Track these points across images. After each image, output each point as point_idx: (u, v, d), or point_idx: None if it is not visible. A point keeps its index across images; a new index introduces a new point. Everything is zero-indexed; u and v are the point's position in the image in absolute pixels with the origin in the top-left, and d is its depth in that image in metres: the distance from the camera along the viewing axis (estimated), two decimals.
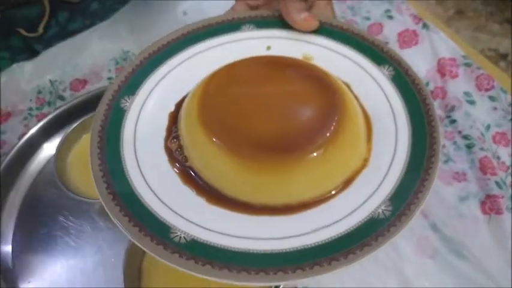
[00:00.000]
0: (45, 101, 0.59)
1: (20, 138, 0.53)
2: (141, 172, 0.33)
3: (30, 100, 0.59)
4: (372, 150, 0.34)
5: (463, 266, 0.45)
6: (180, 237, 0.29)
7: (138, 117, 0.36)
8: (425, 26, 0.61)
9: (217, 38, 0.41)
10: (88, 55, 0.61)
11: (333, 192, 0.33)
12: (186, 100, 0.37)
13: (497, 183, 0.49)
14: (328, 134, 0.32)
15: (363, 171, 0.33)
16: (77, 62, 0.61)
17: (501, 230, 0.46)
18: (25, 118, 0.57)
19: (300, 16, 0.39)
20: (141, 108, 0.37)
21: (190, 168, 0.34)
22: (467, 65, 0.57)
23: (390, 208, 0.30)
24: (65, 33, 0.58)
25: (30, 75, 0.60)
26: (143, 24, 0.63)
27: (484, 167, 0.50)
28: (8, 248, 0.48)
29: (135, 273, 0.43)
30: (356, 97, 0.37)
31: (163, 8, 0.65)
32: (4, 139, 0.56)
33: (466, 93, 0.55)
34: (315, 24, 0.40)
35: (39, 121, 0.54)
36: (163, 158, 0.35)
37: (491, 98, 0.55)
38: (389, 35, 0.61)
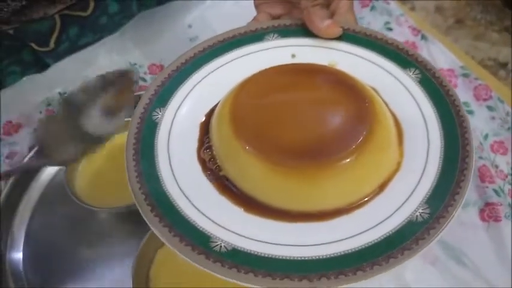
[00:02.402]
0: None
1: (29, 149, 0.54)
2: (177, 183, 0.34)
3: (40, 112, 0.60)
4: (404, 154, 0.34)
5: (462, 272, 0.46)
6: (221, 246, 0.30)
7: (170, 128, 0.37)
8: (423, 37, 0.63)
9: (242, 49, 0.41)
10: (96, 68, 0.62)
11: (369, 196, 0.33)
12: (217, 110, 0.38)
13: (495, 191, 0.50)
14: (360, 139, 0.32)
15: (397, 175, 0.33)
16: (86, 74, 0.62)
17: (500, 237, 0.47)
18: (35, 129, 0.59)
19: (323, 24, 0.40)
20: (173, 119, 0.37)
21: (225, 177, 0.35)
22: (466, 75, 0.59)
23: (428, 211, 0.30)
24: (75, 48, 0.60)
25: (39, 88, 0.61)
26: (149, 37, 0.65)
27: (482, 176, 0.51)
28: (19, 255, 0.49)
29: (144, 280, 0.44)
30: (384, 101, 0.37)
31: (168, 22, 0.67)
32: (15, 150, 0.57)
33: (465, 103, 0.57)
34: (338, 31, 0.40)
35: None
36: (198, 168, 0.35)
37: (489, 108, 0.56)
38: None
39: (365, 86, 0.37)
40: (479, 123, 0.55)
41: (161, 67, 0.63)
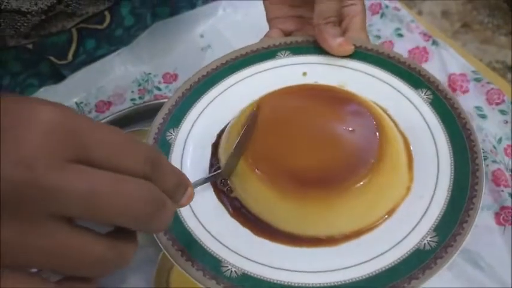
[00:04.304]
0: None
1: None
2: (189, 205, 0.33)
3: None
4: (414, 178, 0.34)
5: (479, 276, 0.46)
6: (231, 271, 0.30)
7: (183, 149, 0.37)
8: (434, 42, 0.63)
9: (254, 66, 0.42)
10: (112, 78, 0.64)
11: (378, 221, 0.32)
12: (227, 132, 0.38)
13: (510, 194, 0.50)
14: (369, 166, 0.32)
15: (406, 200, 0.33)
16: (102, 84, 0.63)
17: None
18: None
19: (335, 42, 0.40)
20: (186, 140, 0.38)
21: (236, 199, 0.35)
22: (478, 80, 0.59)
23: (436, 239, 0.30)
24: (92, 59, 0.61)
25: (56, 98, 0.61)
26: (162, 47, 0.66)
27: (497, 179, 0.52)
28: None
29: (164, 286, 0.45)
30: (395, 122, 0.37)
31: (181, 32, 0.68)
32: None
33: (477, 108, 0.57)
34: (350, 49, 0.40)
35: None
36: (210, 190, 0.35)
37: (502, 112, 0.56)
38: (399, 53, 0.63)
39: (376, 108, 0.37)
40: (493, 128, 0.55)
41: (175, 76, 0.64)
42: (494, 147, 0.54)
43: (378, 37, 0.65)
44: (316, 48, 0.42)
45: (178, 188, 0.25)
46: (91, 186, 0.20)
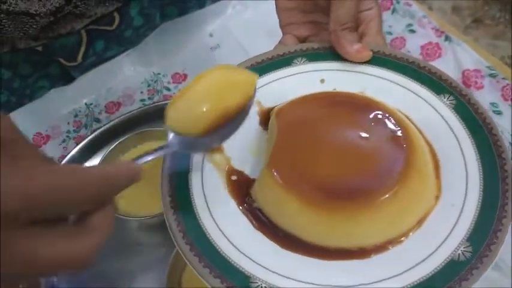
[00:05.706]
0: (82, 123, 0.61)
1: (59, 160, 0.55)
2: (213, 218, 0.33)
3: (68, 123, 0.61)
4: (442, 187, 0.33)
5: (497, 276, 0.45)
6: (261, 286, 0.29)
7: (203, 159, 0.36)
8: (447, 38, 0.62)
9: (270, 74, 0.41)
10: (121, 79, 0.64)
11: (409, 232, 0.32)
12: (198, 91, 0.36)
13: None
14: (397, 176, 0.31)
15: (435, 209, 0.32)
16: (111, 85, 0.63)
17: None
18: (64, 141, 0.60)
19: (352, 48, 0.39)
20: None
21: (258, 209, 0.34)
22: (493, 75, 0.58)
23: (470, 249, 0.29)
24: (101, 61, 0.61)
25: (67, 100, 0.62)
26: (172, 47, 0.66)
27: None
28: None
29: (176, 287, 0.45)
30: (419, 130, 0.36)
31: (190, 31, 0.67)
32: None
33: (493, 104, 0.56)
34: (368, 54, 0.39)
35: (77, 143, 0.56)
36: (232, 201, 0.35)
37: None
38: (412, 49, 0.62)
39: (400, 115, 0.36)
40: (508, 124, 0.54)
41: (184, 76, 0.64)
42: (511, 144, 0.53)
43: (390, 33, 0.64)
44: (333, 54, 0.41)
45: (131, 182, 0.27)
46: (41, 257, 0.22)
